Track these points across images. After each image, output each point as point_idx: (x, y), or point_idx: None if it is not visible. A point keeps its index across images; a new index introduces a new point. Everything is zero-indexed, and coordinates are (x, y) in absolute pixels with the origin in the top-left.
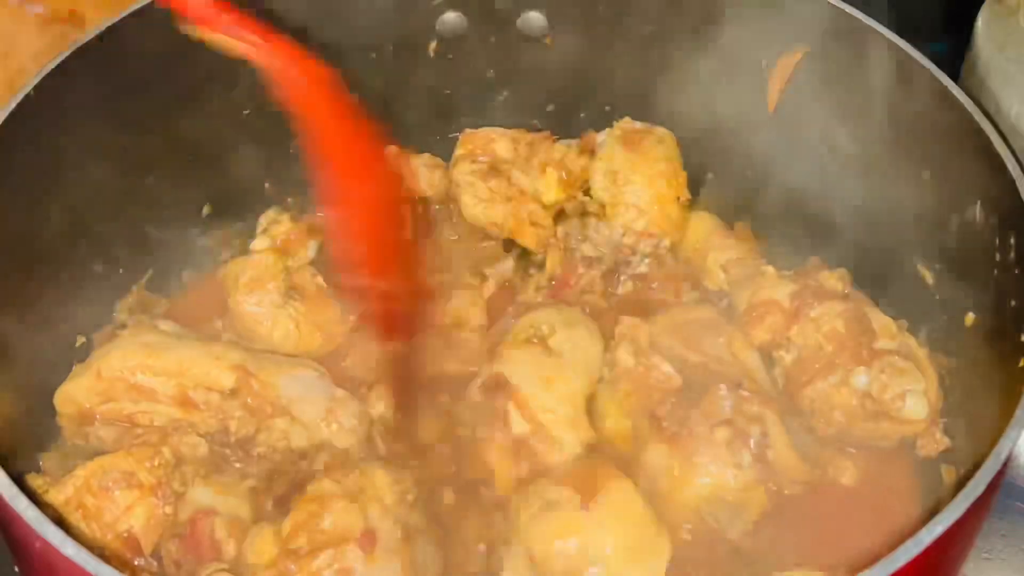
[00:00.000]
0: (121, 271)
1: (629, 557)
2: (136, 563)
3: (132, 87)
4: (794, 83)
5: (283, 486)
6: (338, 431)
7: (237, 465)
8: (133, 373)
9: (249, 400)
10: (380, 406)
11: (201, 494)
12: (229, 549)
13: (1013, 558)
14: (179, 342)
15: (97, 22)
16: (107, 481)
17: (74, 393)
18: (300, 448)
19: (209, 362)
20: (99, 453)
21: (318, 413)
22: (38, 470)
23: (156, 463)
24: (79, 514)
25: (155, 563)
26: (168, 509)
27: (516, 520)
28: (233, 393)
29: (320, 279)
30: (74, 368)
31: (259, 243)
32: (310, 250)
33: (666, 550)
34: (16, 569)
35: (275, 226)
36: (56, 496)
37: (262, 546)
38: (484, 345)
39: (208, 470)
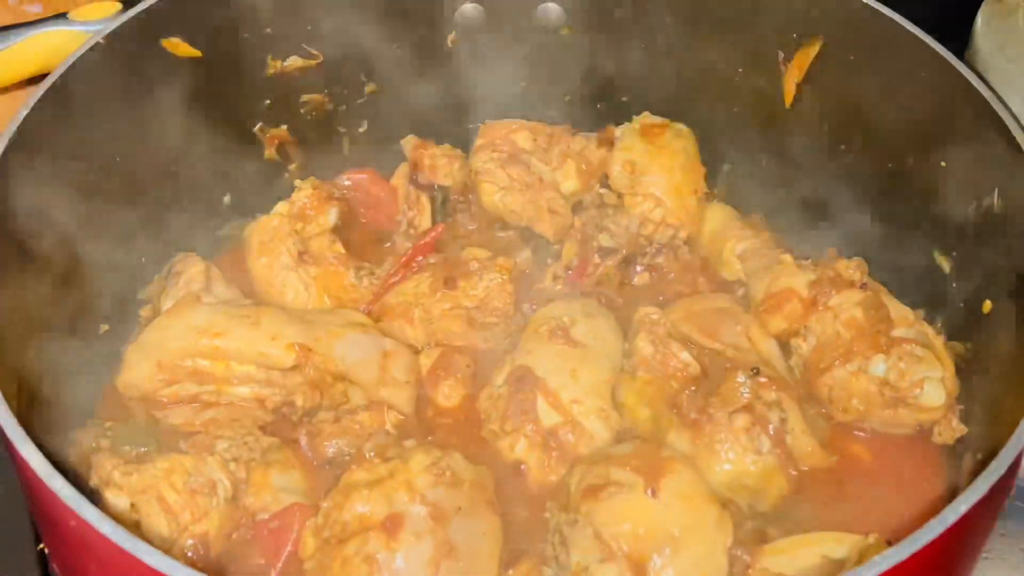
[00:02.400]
0: (143, 259)
1: (696, 537)
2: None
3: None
4: (811, 76)
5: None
6: (394, 389)
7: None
8: (192, 359)
9: (310, 372)
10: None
11: (277, 484)
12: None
13: (1013, 558)
14: (230, 321)
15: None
16: (193, 483)
17: (137, 381)
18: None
19: (266, 342)
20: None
21: (373, 374)
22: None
23: (232, 458)
24: (158, 506)
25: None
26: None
27: (579, 502)
28: (294, 369)
29: (339, 246)
30: (129, 352)
31: (280, 207)
32: (330, 217)
33: (729, 528)
34: (43, 548)
35: (297, 192)
36: (136, 481)
37: (305, 538)
38: (508, 329)
39: (276, 458)
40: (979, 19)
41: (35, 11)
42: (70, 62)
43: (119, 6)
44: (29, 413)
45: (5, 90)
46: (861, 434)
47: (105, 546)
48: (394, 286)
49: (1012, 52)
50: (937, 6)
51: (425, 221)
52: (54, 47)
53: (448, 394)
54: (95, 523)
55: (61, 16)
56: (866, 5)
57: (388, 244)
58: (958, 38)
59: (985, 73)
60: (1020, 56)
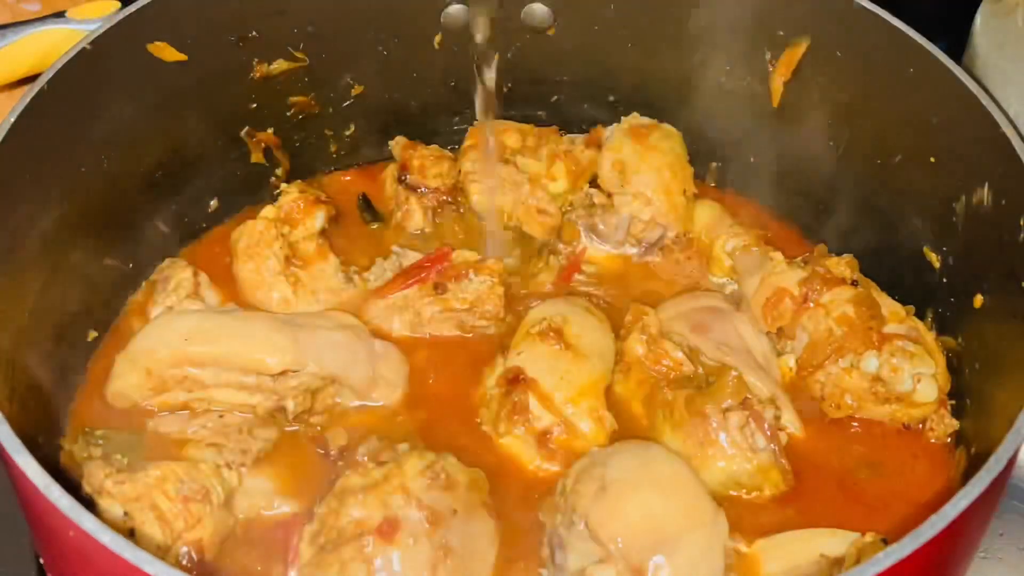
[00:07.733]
0: (131, 266)
1: (694, 536)
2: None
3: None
4: (798, 75)
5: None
6: (385, 390)
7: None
8: (182, 367)
9: (301, 376)
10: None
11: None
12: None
13: (1011, 557)
14: (220, 329)
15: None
16: (186, 491)
17: (126, 390)
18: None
19: (256, 348)
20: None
21: (364, 376)
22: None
23: (224, 464)
24: (152, 514)
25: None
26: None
27: (575, 503)
28: (284, 373)
29: (327, 249)
30: (117, 361)
31: (266, 211)
32: (317, 220)
33: (726, 526)
34: (40, 562)
35: (284, 196)
36: (129, 490)
37: (301, 546)
38: (499, 331)
39: (268, 462)
40: (978, 19)
41: (33, 9)
42: (56, 68)
43: (117, 5)
44: (19, 423)
45: (3, 88)
46: (854, 430)
47: (105, 556)
48: (385, 295)
49: (1011, 52)
50: (936, 6)
51: (414, 223)
52: (52, 45)
53: (440, 396)
54: (94, 533)
55: (59, 14)
56: (852, 2)
57: (376, 247)
58: (956, 37)
59: (984, 73)
60: (1019, 56)
